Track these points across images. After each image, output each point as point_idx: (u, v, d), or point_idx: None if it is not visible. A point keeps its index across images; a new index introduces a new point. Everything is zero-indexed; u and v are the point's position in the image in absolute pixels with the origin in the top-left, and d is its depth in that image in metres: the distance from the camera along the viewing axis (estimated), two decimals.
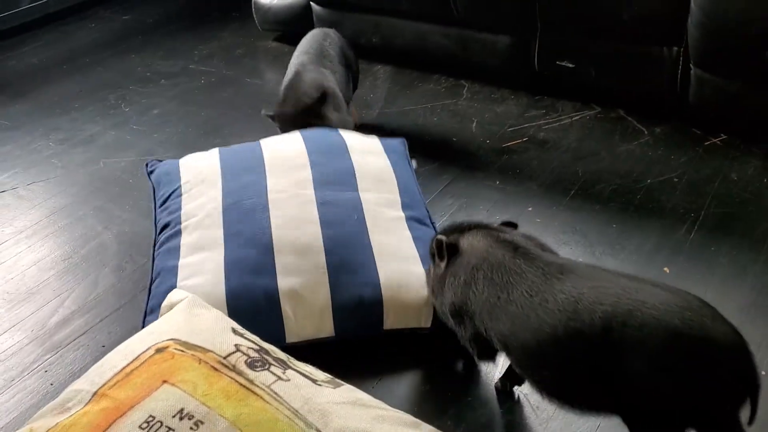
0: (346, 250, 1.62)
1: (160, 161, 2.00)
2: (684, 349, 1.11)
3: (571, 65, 2.46)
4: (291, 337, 1.55)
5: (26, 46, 3.32)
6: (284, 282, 1.55)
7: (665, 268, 1.78)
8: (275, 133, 2.47)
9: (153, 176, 1.94)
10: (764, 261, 1.79)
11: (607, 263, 1.81)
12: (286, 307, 1.54)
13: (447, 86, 2.75)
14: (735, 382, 1.13)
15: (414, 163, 2.05)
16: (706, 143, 2.29)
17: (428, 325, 1.60)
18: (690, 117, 2.38)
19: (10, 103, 2.79)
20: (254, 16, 3.24)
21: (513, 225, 1.47)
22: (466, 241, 1.42)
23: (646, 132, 2.37)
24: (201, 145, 2.45)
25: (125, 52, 3.30)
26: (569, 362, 1.21)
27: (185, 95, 2.83)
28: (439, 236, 1.43)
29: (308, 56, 2.27)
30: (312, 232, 1.63)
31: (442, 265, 1.43)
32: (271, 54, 3.17)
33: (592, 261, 1.82)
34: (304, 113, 2.09)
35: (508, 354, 1.32)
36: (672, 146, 2.28)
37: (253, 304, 1.53)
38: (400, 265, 1.63)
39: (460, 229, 1.46)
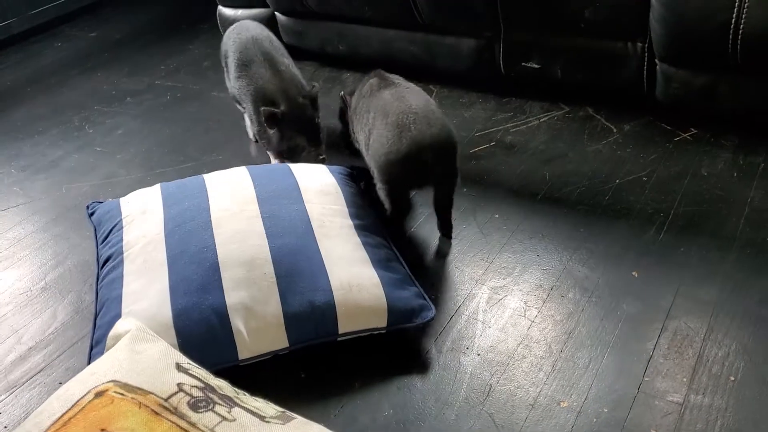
0: (294, 258, 1.58)
1: (101, 202, 1.96)
2: (396, 136, 1.74)
3: (536, 66, 2.43)
4: (244, 354, 1.50)
5: None
6: (232, 297, 1.51)
7: (634, 272, 1.75)
8: (236, 145, 2.47)
9: (94, 217, 1.90)
10: (734, 260, 1.75)
11: (575, 269, 1.77)
12: (237, 322, 1.49)
13: None
14: (422, 164, 1.73)
15: (362, 185, 2.02)
16: (676, 139, 2.25)
17: (383, 324, 1.57)
18: (659, 113, 2.35)
19: None
20: (220, 28, 3.20)
21: None
22: (360, 89, 2.06)
23: (614, 130, 2.33)
24: (165, 163, 2.42)
25: (91, 70, 3.26)
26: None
27: (150, 113, 2.79)
28: (341, 93, 2.20)
29: (264, 51, 2.25)
30: (258, 244, 1.59)
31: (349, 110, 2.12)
32: None
33: (560, 267, 1.79)
34: (312, 105, 2.18)
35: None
36: (641, 144, 2.24)
37: (202, 324, 1.48)
38: (350, 268, 1.60)
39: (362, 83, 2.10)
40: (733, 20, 1.92)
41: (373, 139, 1.84)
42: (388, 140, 1.76)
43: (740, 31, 1.92)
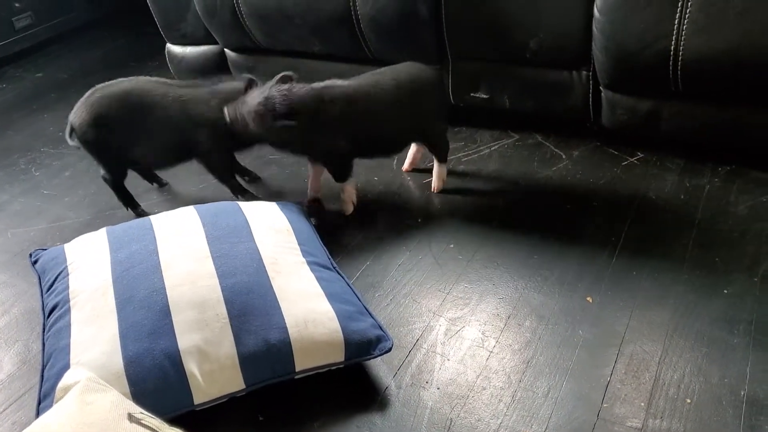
0: (247, 297, 1.56)
1: (45, 249, 1.92)
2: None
3: (485, 96, 2.45)
4: (199, 398, 1.47)
5: None
6: (185, 340, 1.48)
7: (588, 298, 1.76)
8: (185, 184, 2.43)
9: (37, 265, 1.85)
10: (685, 282, 1.78)
11: (531, 297, 1.78)
12: (191, 366, 1.46)
13: None
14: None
15: (313, 220, 2.01)
16: (624, 163, 2.29)
17: (341, 359, 1.55)
18: (606, 138, 2.39)
19: None
20: (168, 65, 3.17)
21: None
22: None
23: (564, 156, 2.36)
24: (114, 204, 2.37)
25: (38, 111, 3.20)
26: None
27: None
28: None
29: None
30: (209, 284, 1.57)
31: None
32: None
33: (515, 296, 1.79)
34: None
35: None
36: (590, 169, 2.27)
37: (154, 370, 1.44)
38: (305, 303, 1.58)
39: None
40: (672, 48, 1.97)
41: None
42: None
43: (680, 59, 1.97)
